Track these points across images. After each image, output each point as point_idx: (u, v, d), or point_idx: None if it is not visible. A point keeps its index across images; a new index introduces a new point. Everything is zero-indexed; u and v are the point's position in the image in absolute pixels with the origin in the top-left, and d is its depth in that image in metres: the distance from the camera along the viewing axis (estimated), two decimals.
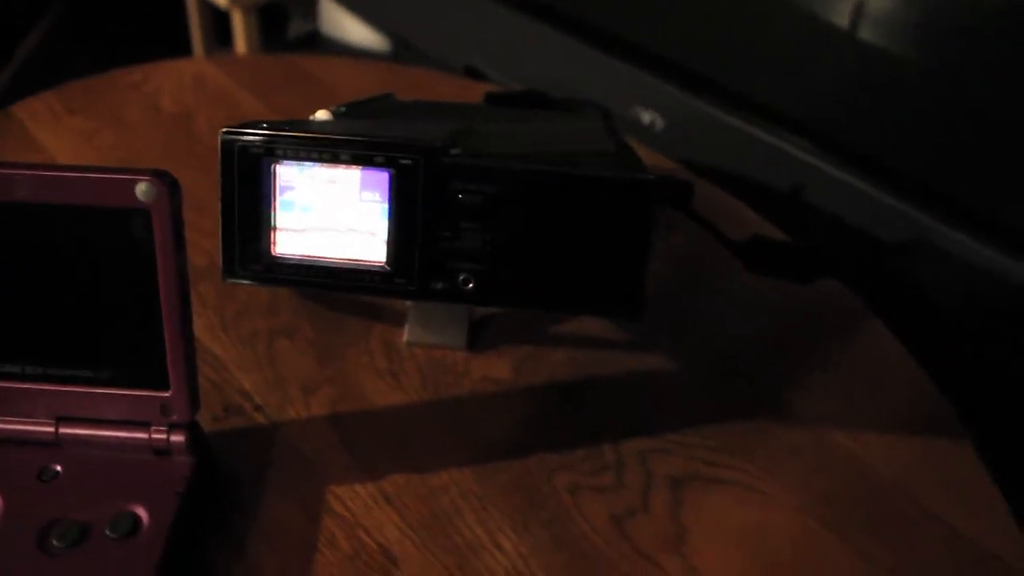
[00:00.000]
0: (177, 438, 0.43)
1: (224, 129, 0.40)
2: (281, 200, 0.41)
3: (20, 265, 0.41)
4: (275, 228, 0.41)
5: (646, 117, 0.95)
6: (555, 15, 1.01)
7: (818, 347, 0.58)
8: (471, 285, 0.41)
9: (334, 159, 0.39)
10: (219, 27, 2.00)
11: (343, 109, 0.50)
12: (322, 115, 0.48)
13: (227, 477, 0.46)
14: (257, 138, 0.40)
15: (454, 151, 0.39)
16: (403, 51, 1.41)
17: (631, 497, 0.47)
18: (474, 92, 0.81)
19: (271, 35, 1.83)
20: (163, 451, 0.44)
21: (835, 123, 0.82)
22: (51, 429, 0.44)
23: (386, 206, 0.40)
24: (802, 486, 0.49)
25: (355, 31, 1.51)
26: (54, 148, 0.70)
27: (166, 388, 0.43)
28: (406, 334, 0.55)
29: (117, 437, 0.44)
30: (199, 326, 0.55)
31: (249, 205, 0.41)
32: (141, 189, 0.39)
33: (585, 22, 0.98)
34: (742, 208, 0.69)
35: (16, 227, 0.40)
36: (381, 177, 0.40)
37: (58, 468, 0.43)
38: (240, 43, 1.81)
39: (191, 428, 0.44)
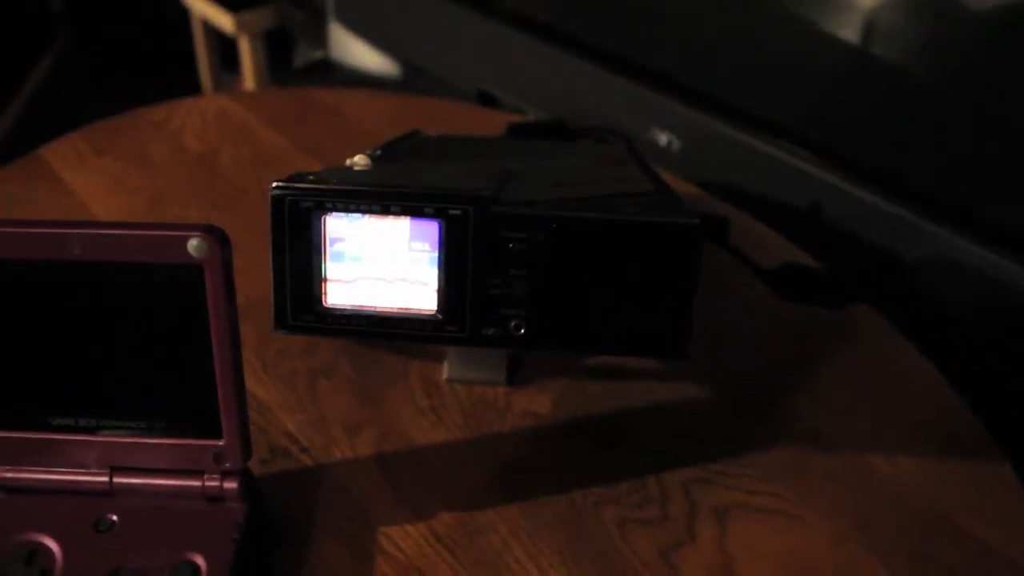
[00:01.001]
0: (230, 485, 0.44)
1: (274, 184, 0.41)
2: (331, 251, 0.41)
3: (74, 319, 0.41)
4: (326, 279, 0.42)
5: (662, 138, 0.95)
6: (567, 38, 1.01)
7: (851, 372, 0.58)
8: (522, 331, 0.41)
9: (384, 210, 0.40)
10: (226, 52, 2.01)
11: (379, 152, 0.51)
12: (360, 160, 0.48)
13: (278, 520, 0.47)
14: (307, 192, 0.41)
15: (502, 200, 0.40)
16: (414, 76, 1.42)
17: (677, 529, 0.48)
18: (492, 121, 0.82)
19: (278, 61, 1.84)
20: (216, 498, 0.44)
21: (852, 140, 0.82)
22: (105, 479, 0.44)
23: (436, 255, 0.41)
24: (841, 511, 0.49)
25: (366, 57, 1.52)
26: (83, 191, 0.71)
27: (219, 436, 0.43)
28: (446, 371, 0.55)
29: (171, 485, 0.44)
30: (245, 368, 0.55)
31: (300, 257, 0.42)
32: (193, 245, 0.39)
33: (598, 44, 0.99)
34: (767, 231, 0.70)
35: (70, 283, 0.41)
36: (431, 227, 0.40)
37: (114, 518, 0.44)
38: (247, 69, 1.83)
39: (244, 475, 0.44)
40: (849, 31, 0.78)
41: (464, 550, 0.46)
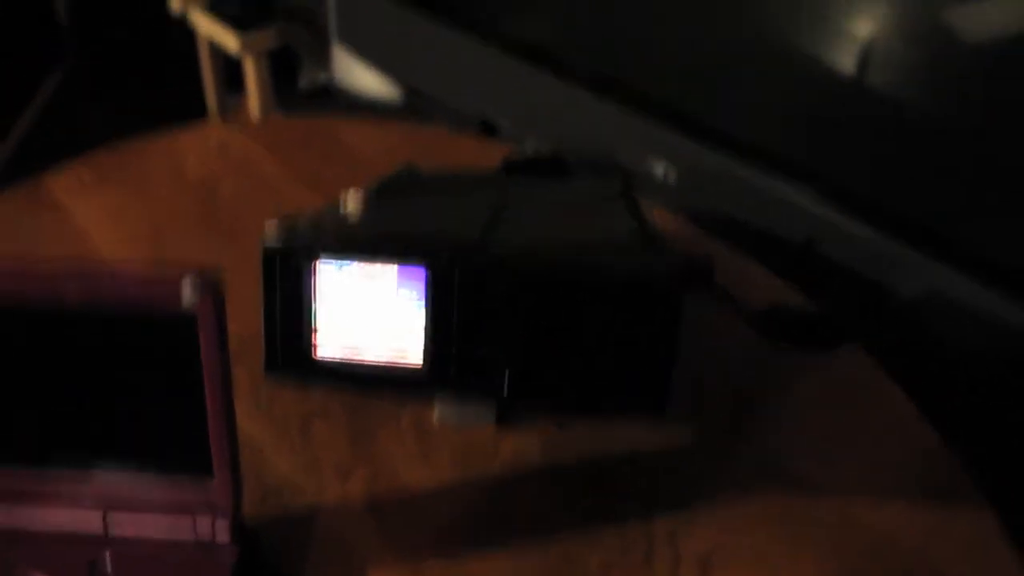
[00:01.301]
0: (222, 527, 0.45)
1: (266, 234, 0.42)
2: (321, 299, 0.42)
3: (68, 363, 0.42)
4: (315, 329, 0.43)
5: (659, 169, 0.96)
6: (567, 68, 1.02)
7: (837, 415, 0.59)
8: (506, 384, 0.42)
9: (372, 258, 0.41)
10: (231, 72, 2.02)
11: (373, 191, 0.52)
12: (353, 198, 0.49)
13: (270, 563, 0.48)
14: (296, 242, 0.41)
15: (489, 249, 0.41)
16: (416, 101, 1.43)
17: (662, 575, 0.48)
18: (488, 153, 0.83)
19: (283, 82, 1.86)
20: (208, 540, 0.45)
21: (850, 173, 0.83)
22: (99, 523, 0.45)
23: (423, 302, 0.41)
24: (826, 558, 0.50)
25: (368, 81, 1.53)
26: (85, 220, 0.72)
27: (211, 480, 0.44)
28: (436, 414, 0.56)
29: (164, 529, 0.45)
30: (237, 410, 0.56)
31: (290, 307, 0.42)
32: (187, 293, 0.40)
33: (598, 75, 1.00)
34: (758, 270, 0.71)
35: (67, 328, 0.42)
36: (418, 273, 0.41)
37: (108, 562, 0.45)
38: (252, 89, 1.84)
39: (235, 518, 0.45)
40: (848, 63, 0.78)
41: None
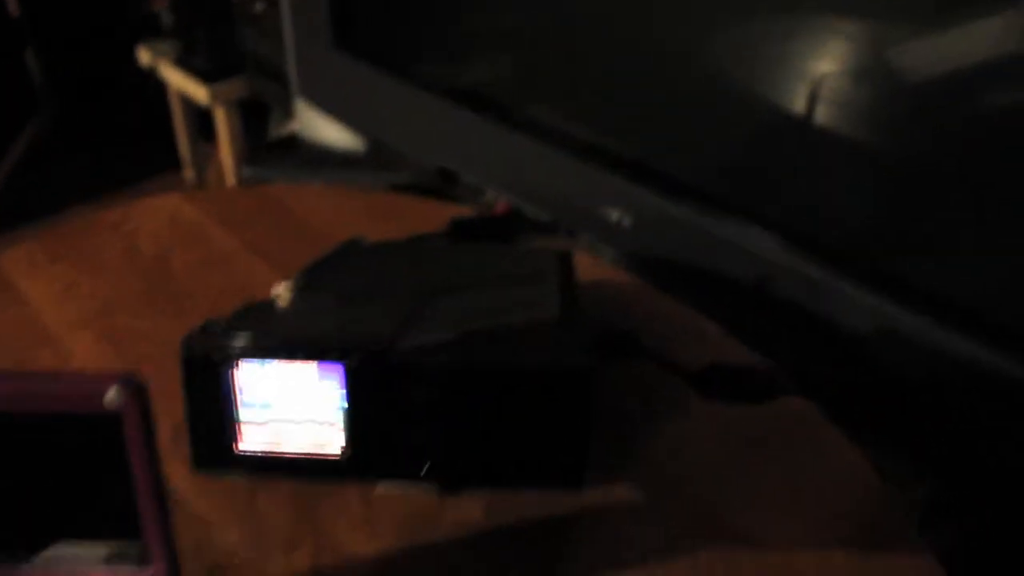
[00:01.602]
0: None
1: (184, 338, 0.43)
2: (242, 399, 0.43)
3: (5, 461, 0.43)
4: (239, 423, 0.44)
5: (614, 215, 0.98)
6: (521, 118, 1.04)
7: (778, 466, 0.60)
8: (423, 473, 0.43)
9: (290, 357, 0.42)
10: (203, 123, 2.04)
11: (303, 280, 0.53)
12: (282, 290, 0.50)
13: None
14: (216, 346, 0.43)
15: (399, 347, 0.42)
16: (380, 151, 1.45)
17: None
18: (441, 215, 0.84)
19: (254, 129, 1.88)
20: None
21: (803, 217, 0.84)
22: None
23: (343, 394, 0.43)
24: None
25: (331, 132, 1.54)
26: (36, 299, 0.73)
27: (149, 565, 0.45)
28: (379, 484, 0.57)
29: None
30: (181, 482, 0.57)
31: (213, 405, 0.44)
32: (109, 397, 0.41)
33: (551, 124, 1.02)
34: (700, 323, 0.72)
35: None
36: (336, 370, 0.42)
37: None
38: (223, 139, 1.86)
39: None
40: (803, 105, 0.80)
41: None
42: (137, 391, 0.41)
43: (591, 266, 0.81)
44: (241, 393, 0.43)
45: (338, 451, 0.43)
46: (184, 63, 1.84)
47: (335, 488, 0.57)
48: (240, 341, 0.42)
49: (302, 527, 0.55)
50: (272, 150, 1.65)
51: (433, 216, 0.84)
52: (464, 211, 0.84)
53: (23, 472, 0.44)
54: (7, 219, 2.15)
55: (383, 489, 0.57)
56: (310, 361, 0.42)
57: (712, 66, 0.86)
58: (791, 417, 0.64)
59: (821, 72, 0.77)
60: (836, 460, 0.61)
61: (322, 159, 1.54)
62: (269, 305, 0.49)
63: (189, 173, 2.16)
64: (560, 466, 0.43)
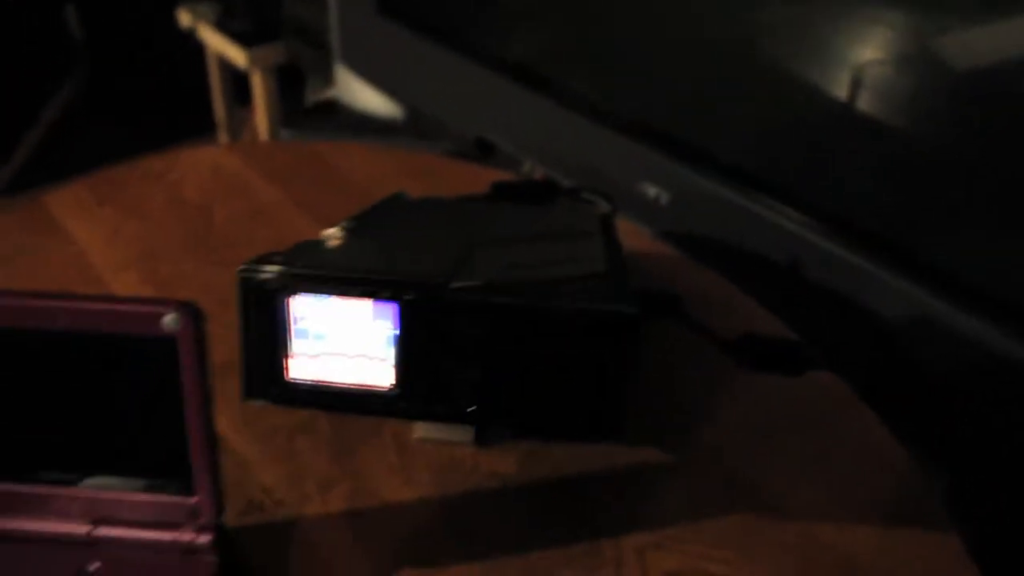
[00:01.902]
0: (204, 539, 0.47)
1: (242, 266, 0.44)
2: (296, 329, 0.44)
3: (59, 383, 0.44)
4: (290, 355, 0.45)
5: (652, 191, 0.98)
6: (562, 91, 1.04)
7: (808, 439, 0.61)
8: (470, 410, 0.44)
9: (344, 293, 0.43)
10: (239, 87, 2.06)
11: (354, 224, 0.54)
12: (333, 233, 0.51)
13: (251, 572, 0.49)
14: (273, 275, 0.44)
15: (454, 285, 0.43)
16: (417, 120, 1.46)
17: None
18: (481, 178, 0.85)
19: (290, 97, 1.89)
20: (191, 551, 0.47)
21: (839, 199, 0.84)
22: (87, 531, 0.47)
23: (394, 334, 0.44)
24: None
25: (371, 99, 1.55)
26: (83, 241, 0.74)
27: (193, 494, 0.46)
28: (416, 430, 0.58)
29: (148, 538, 0.47)
30: (223, 422, 0.58)
31: (266, 334, 0.44)
32: (167, 320, 0.42)
33: (591, 97, 1.02)
34: (736, 295, 0.72)
35: (56, 350, 0.44)
36: (389, 309, 0.43)
37: (95, 568, 0.47)
38: (259, 103, 1.87)
39: (217, 530, 0.47)
40: (842, 89, 0.80)
41: None
42: (195, 316, 0.42)
43: (629, 235, 0.81)
44: (295, 324, 0.44)
45: (387, 386, 0.44)
46: (223, 26, 1.85)
47: (372, 434, 0.58)
48: (297, 272, 0.43)
49: (339, 470, 0.56)
50: (310, 114, 1.66)
51: (473, 179, 0.85)
52: (504, 175, 0.85)
53: (76, 395, 0.45)
54: (40, 176, 2.17)
55: (421, 433, 0.58)
56: (365, 299, 0.43)
57: (752, 45, 0.86)
58: (823, 392, 0.64)
59: (863, 56, 0.77)
60: (866, 436, 0.61)
61: (360, 125, 1.55)
62: (322, 245, 0.50)
63: (223, 137, 2.17)
64: (601, 415, 0.43)
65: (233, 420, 0.59)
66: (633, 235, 0.82)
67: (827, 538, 0.54)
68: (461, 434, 0.57)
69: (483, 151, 1.22)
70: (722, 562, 0.52)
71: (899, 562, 0.53)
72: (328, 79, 1.69)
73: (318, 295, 0.43)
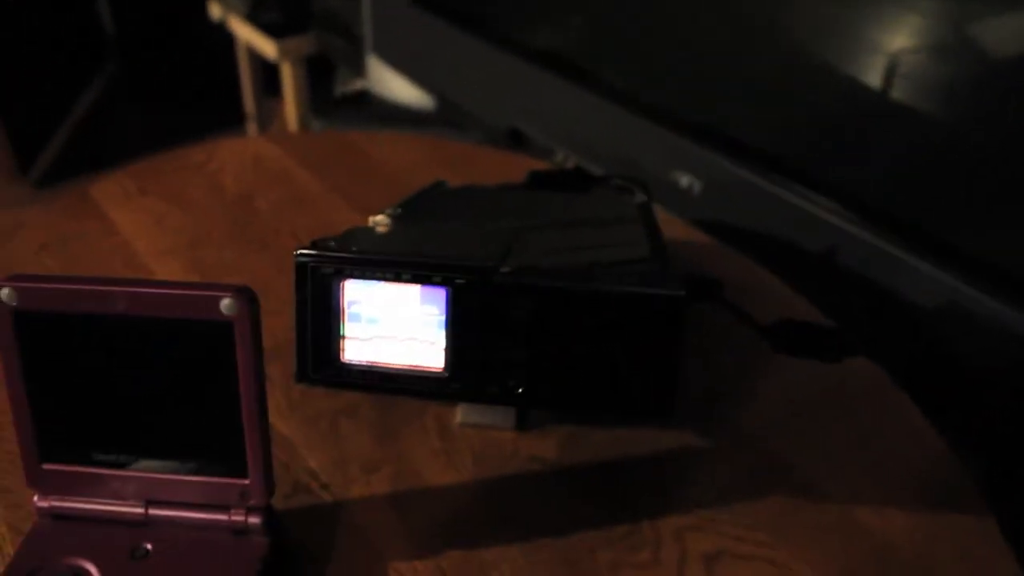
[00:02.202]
0: (254, 520, 0.48)
1: (298, 251, 0.45)
2: (349, 313, 0.45)
3: (117, 367, 0.46)
4: (343, 337, 0.46)
5: (684, 181, 0.98)
6: (594, 80, 1.05)
7: (845, 424, 0.61)
8: (520, 390, 0.45)
9: (396, 278, 0.44)
10: (269, 78, 2.07)
11: (399, 211, 0.55)
12: (381, 220, 0.53)
13: (298, 553, 0.51)
14: (327, 260, 0.45)
15: (503, 270, 0.44)
16: (448, 111, 1.46)
17: (667, 573, 0.51)
18: (516, 166, 0.86)
19: (319, 87, 1.90)
20: (241, 532, 0.48)
21: (872, 187, 0.85)
22: (141, 511, 0.49)
23: (443, 318, 0.45)
24: (828, 562, 0.52)
25: (402, 89, 1.56)
26: (128, 230, 0.76)
27: (245, 476, 0.47)
28: (459, 415, 0.59)
29: (200, 519, 0.48)
30: (269, 407, 0.59)
31: (320, 318, 0.46)
32: (225, 304, 0.43)
33: (624, 86, 1.03)
34: (772, 281, 0.73)
35: (114, 334, 0.45)
36: (439, 293, 0.44)
37: (148, 547, 0.48)
38: (288, 94, 1.88)
39: (267, 511, 0.48)
40: (871, 77, 0.80)
41: None
42: (250, 301, 0.43)
43: (664, 223, 0.82)
44: (348, 307, 0.45)
45: (438, 369, 0.45)
46: (253, 18, 1.87)
47: (415, 419, 0.59)
48: (351, 257, 0.45)
49: (383, 454, 0.57)
50: (341, 105, 1.67)
51: (507, 167, 0.86)
52: (538, 164, 0.86)
53: (132, 378, 0.46)
54: (73, 167, 2.20)
55: (463, 418, 0.59)
56: (416, 283, 0.44)
57: (785, 34, 0.86)
58: (860, 377, 0.65)
59: (897, 44, 0.77)
60: (902, 421, 0.62)
61: (391, 116, 1.56)
62: (371, 231, 0.51)
63: (253, 128, 2.19)
64: (650, 394, 0.44)
65: (279, 405, 0.60)
66: (668, 223, 0.82)
67: (864, 520, 0.55)
68: (503, 419, 0.58)
69: (515, 141, 1.23)
70: (759, 544, 0.53)
71: (935, 544, 0.53)
72: (358, 70, 1.70)
73: (371, 280, 0.45)
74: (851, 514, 0.55)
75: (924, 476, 0.58)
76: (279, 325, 0.65)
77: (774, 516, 0.55)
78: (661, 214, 0.83)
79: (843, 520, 0.55)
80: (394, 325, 0.45)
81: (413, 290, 0.44)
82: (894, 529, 0.54)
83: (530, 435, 0.59)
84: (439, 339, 0.45)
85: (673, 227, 0.82)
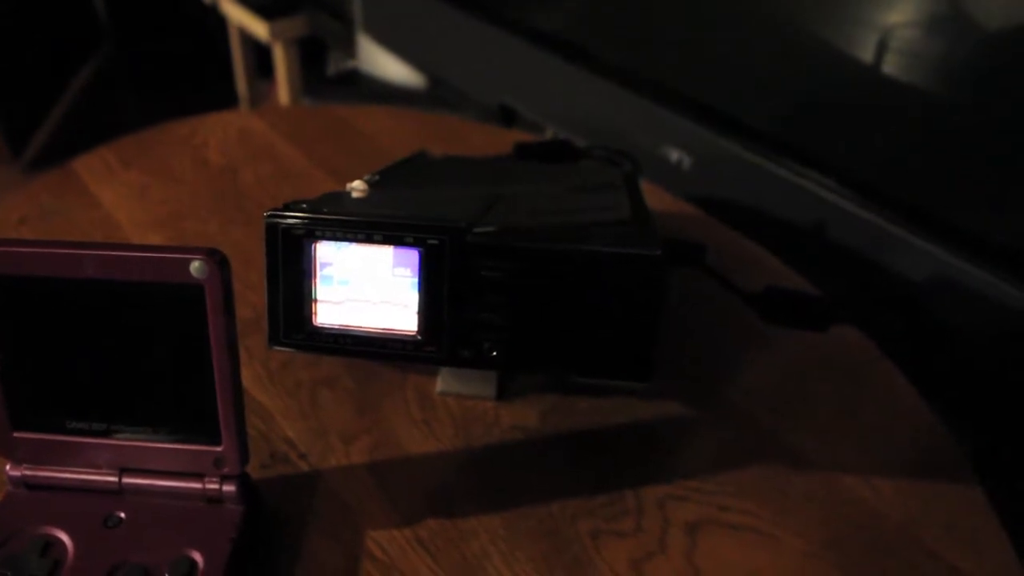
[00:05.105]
0: (229, 488, 0.47)
1: (268, 212, 0.44)
2: (321, 275, 0.45)
3: (89, 334, 0.45)
4: (315, 300, 0.45)
5: (674, 155, 0.98)
6: (585, 56, 1.04)
7: (832, 393, 0.60)
8: (495, 353, 0.44)
9: (368, 239, 0.43)
10: (261, 59, 2.06)
11: (377, 178, 0.54)
12: (357, 186, 0.52)
13: (274, 521, 0.50)
14: (298, 221, 0.44)
15: (477, 230, 0.43)
16: (438, 88, 1.45)
17: (649, 541, 0.50)
18: (504, 140, 0.85)
19: (311, 68, 1.89)
20: (216, 500, 0.48)
21: (859, 161, 0.84)
22: (115, 479, 0.48)
23: (417, 280, 0.44)
24: (813, 531, 0.51)
25: (393, 69, 1.55)
26: (110, 203, 0.75)
27: (218, 444, 0.47)
28: (439, 384, 0.58)
29: (174, 487, 0.48)
30: (247, 377, 0.59)
31: (292, 280, 0.45)
32: (195, 267, 0.42)
33: (613, 62, 1.02)
34: (760, 253, 0.72)
35: (85, 300, 0.44)
36: (411, 255, 0.43)
37: (122, 515, 0.47)
38: (280, 75, 1.87)
39: (242, 479, 0.48)
40: (863, 52, 0.79)
41: (445, 555, 0.49)
42: (221, 263, 0.42)
43: (653, 195, 0.81)
44: (320, 269, 0.45)
45: (411, 332, 0.45)
46: None
47: (395, 389, 0.59)
48: (322, 218, 0.44)
49: (362, 424, 0.56)
50: (332, 84, 1.66)
51: (496, 141, 0.85)
52: (527, 137, 0.85)
53: (104, 344, 0.45)
54: (67, 147, 2.19)
55: (443, 387, 0.58)
56: (388, 244, 0.43)
57: (776, 7, 0.85)
58: (847, 346, 0.64)
59: (888, 19, 0.76)
60: (891, 392, 0.61)
61: (382, 94, 1.55)
62: (347, 195, 0.50)
63: (245, 109, 2.18)
64: (630, 357, 0.43)
65: (257, 375, 0.59)
66: (656, 195, 0.81)
67: (850, 489, 0.54)
68: (483, 387, 0.58)
69: (506, 118, 1.22)
70: (744, 512, 0.52)
71: (922, 512, 0.53)
72: (350, 51, 1.69)
73: (343, 241, 0.44)
74: (837, 483, 0.54)
75: (911, 446, 0.57)
76: (259, 297, 0.64)
77: (759, 485, 0.54)
78: (650, 187, 0.82)
79: (829, 489, 0.54)
80: (367, 288, 0.44)
81: (386, 251, 0.44)
82: (881, 498, 0.54)
83: (512, 404, 0.58)
84: (412, 302, 0.44)
85: (661, 199, 0.81)
